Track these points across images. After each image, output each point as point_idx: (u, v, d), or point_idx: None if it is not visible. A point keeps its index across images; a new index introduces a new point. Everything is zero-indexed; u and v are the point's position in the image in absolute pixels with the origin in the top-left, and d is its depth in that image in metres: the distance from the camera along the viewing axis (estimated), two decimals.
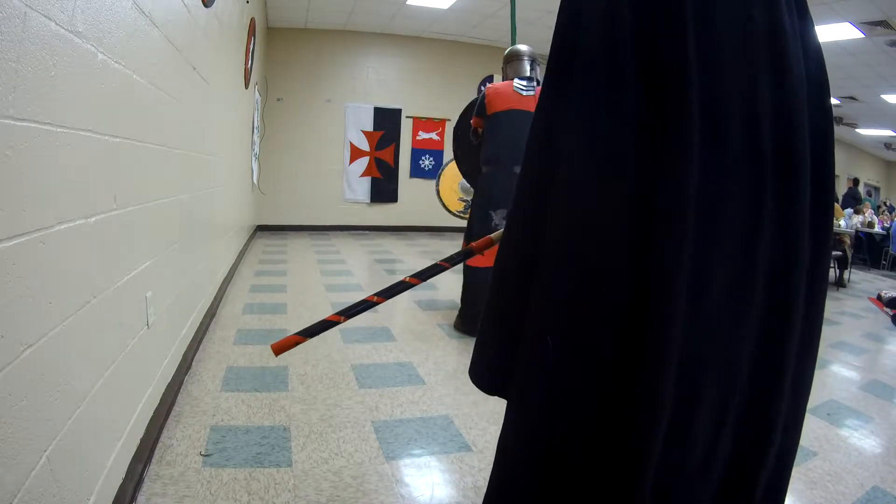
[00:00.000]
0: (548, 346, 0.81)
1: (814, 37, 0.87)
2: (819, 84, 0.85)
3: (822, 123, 0.85)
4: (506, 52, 3.19)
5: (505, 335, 0.92)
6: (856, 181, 10.47)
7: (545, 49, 0.99)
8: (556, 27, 0.85)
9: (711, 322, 0.80)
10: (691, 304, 0.76)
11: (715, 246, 0.78)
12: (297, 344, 1.22)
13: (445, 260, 1.29)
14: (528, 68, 3.05)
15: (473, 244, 1.33)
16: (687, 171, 0.73)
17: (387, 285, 1.33)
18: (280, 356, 2.50)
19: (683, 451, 0.81)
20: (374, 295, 1.25)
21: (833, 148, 0.87)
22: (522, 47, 3.13)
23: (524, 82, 2.96)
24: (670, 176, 0.74)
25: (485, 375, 0.99)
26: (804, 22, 0.85)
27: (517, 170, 1.01)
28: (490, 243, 1.29)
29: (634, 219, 0.76)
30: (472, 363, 1.02)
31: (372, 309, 1.34)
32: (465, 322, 3.04)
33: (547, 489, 0.84)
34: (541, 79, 2.81)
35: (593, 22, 0.79)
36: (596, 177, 0.79)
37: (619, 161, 0.77)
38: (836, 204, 6.75)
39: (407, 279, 1.26)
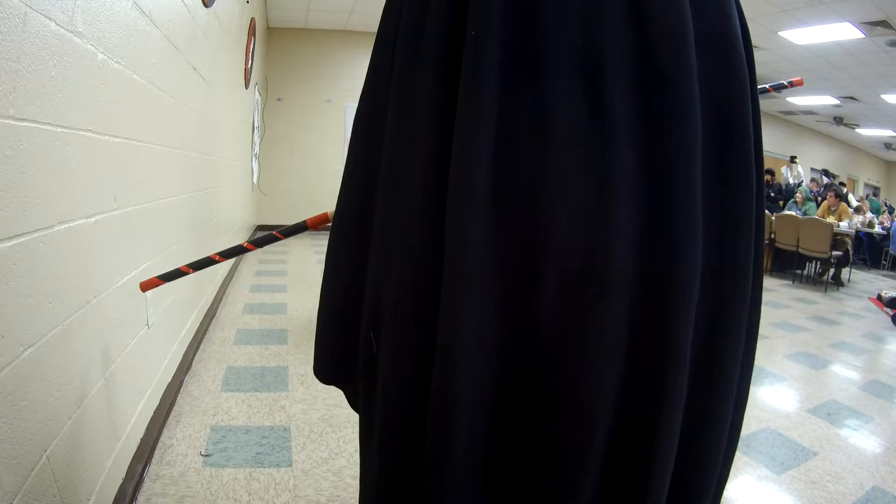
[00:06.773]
0: (370, 340, 0.75)
1: None
2: (721, 27, 0.66)
3: (724, 71, 0.66)
4: None
5: (341, 322, 0.84)
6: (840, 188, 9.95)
7: None
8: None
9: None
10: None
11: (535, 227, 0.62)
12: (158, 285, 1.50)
13: (280, 231, 1.48)
14: None
15: (308, 220, 1.48)
16: (474, 140, 0.61)
17: None
18: (277, 354, 2.49)
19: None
20: (216, 254, 1.49)
21: (746, 102, 0.67)
22: None
23: None
24: (458, 150, 0.62)
25: (325, 366, 0.91)
26: None
27: None
28: (325, 220, 1.44)
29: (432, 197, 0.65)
30: (314, 357, 0.94)
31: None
32: None
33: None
34: None
35: None
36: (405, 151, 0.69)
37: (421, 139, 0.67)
38: (843, 204, 6.70)
39: (245, 244, 1.49)
